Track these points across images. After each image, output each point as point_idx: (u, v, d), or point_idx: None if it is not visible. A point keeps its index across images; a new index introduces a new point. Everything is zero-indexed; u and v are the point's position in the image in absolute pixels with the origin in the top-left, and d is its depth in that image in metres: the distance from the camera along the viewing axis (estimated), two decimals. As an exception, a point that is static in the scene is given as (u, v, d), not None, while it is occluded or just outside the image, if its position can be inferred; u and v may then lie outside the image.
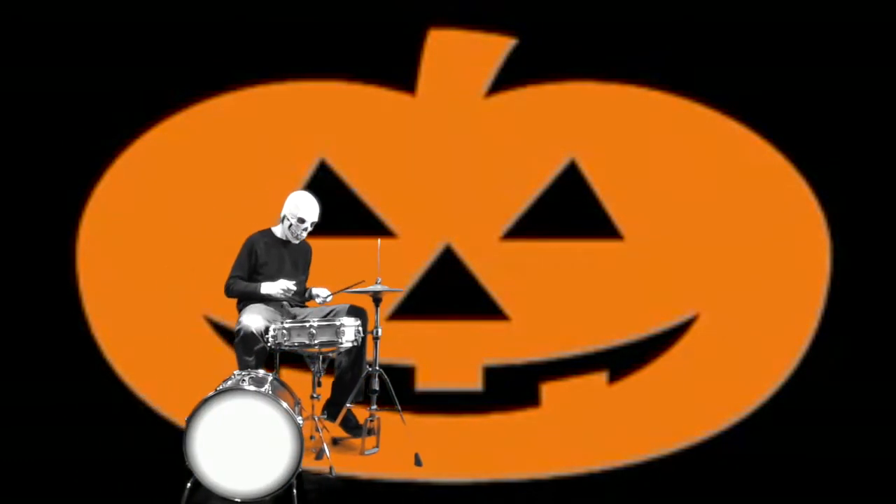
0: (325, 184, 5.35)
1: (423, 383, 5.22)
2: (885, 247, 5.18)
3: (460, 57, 5.38)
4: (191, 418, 3.45)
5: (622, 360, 5.35)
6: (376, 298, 4.31)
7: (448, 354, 5.31)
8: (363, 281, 4.31)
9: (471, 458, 4.27)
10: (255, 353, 4.15)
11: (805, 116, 5.22)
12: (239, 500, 3.46)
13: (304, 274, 4.64)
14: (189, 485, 3.50)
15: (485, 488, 3.89)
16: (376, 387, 4.26)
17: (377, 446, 4.31)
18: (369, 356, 4.35)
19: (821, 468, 4.15)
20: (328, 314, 4.37)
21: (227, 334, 5.35)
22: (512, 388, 5.26)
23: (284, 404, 3.48)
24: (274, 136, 5.43)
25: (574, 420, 4.98)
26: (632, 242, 5.42)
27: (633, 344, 5.37)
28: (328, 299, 4.49)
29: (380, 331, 4.29)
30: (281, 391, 3.69)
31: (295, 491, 3.51)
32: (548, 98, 5.42)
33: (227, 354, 5.31)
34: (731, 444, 4.59)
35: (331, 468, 3.92)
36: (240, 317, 4.29)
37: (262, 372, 3.80)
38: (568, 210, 5.42)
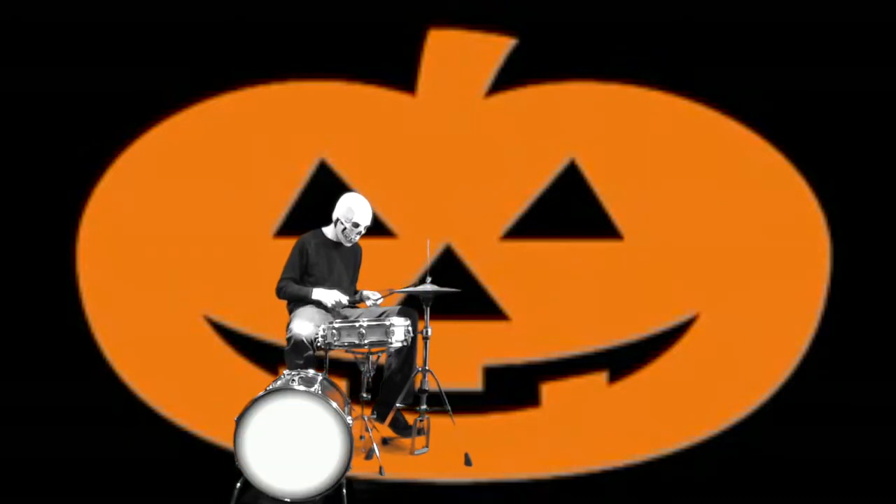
0: (325, 184, 5.36)
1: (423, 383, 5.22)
2: (885, 247, 5.18)
3: (460, 57, 5.38)
4: (240, 418, 3.43)
5: (622, 360, 5.35)
6: (426, 299, 4.31)
7: (448, 354, 5.30)
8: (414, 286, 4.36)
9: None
10: (304, 360, 4.15)
11: (805, 116, 5.22)
12: (289, 500, 3.45)
13: (354, 276, 4.65)
14: (238, 485, 3.48)
15: (485, 488, 3.89)
16: (426, 387, 4.27)
17: (426, 446, 4.31)
18: (419, 356, 4.37)
19: (820, 468, 4.15)
20: (380, 315, 4.36)
21: (228, 334, 5.36)
22: (512, 388, 5.26)
23: (334, 404, 3.46)
24: (274, 136, 5.42)
25: (574, 420, 4.98)
26: (632, 242, 5.42)
27: (633, 344, 5.37)
28: (379, 301, 4.49)
29: (430, 331, 4.29)
30: (330, 391, 3.68)
31: (344, 491, 3.49)
32: (548, 98, 5.42)
33: (228, 354, 5.33)
34: (730, 445, 4.59)
35: (380, 468, 3.92)
36: (290, 321, 4.30)
37: (311, 372, 3.79)
38: (568, 210, 5.42)
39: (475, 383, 5.29)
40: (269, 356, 5.33)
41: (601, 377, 5.33)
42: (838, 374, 5.05)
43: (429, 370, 4.30)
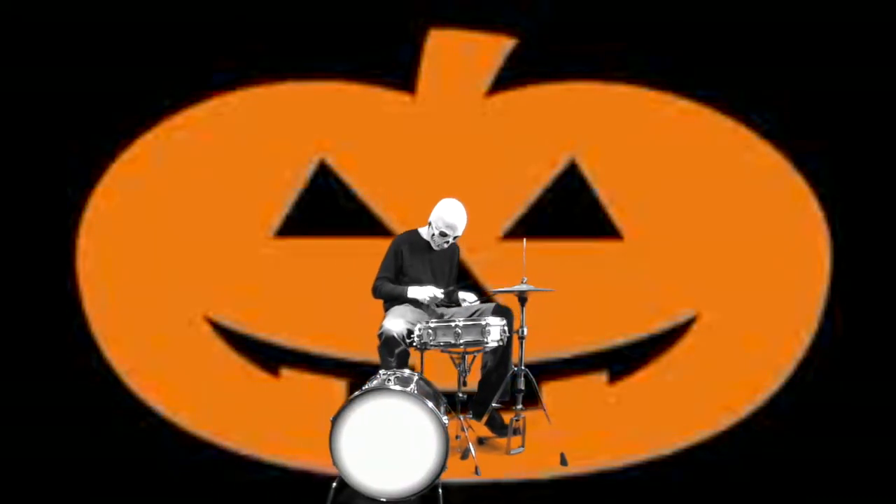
0: (325, 184, 5.35)
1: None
2: (885, 247, 5.18)
3: (460, 57, 5.38)
4: (336, 418, 3.42)
5: (622, 360, 5.35)
6: (522, 298, 4.29)
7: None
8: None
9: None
10: (396, 356, 4.16)
11: (805, 116, 5.22)
12: (385, 500, 3.44)
13: (451, 275, 4.67)
14: (334, 485, 3.48)
15: (484, 488, 3.89)
16: (522, 386, 4.25)
17: (522, 446, 4.31)
18: (515, 356, 4.35)
19: (820, 469, 4.15)
20: (474, 314, 4.37)
21: (228, 334, 5.36)
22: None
23: (430, 403, 3.45)
24: (274, 136, 5.42)
25: (574, 420, 4.97)
26: (632, 242, 5.42)
27: (633, 344, 5.37)
28: (475, 303, 4.50)
29: (525, 330, 4.27)
30: (426, 391, 3.66)
31: (440, 491, 3.48)
32: (548, 98, 5.42)
33: (228, 354, 5.33)
34: (730, 445, 4.59)
35: (476, 468, 3.91)
36: (384, 319, 4.31)
37: (407, 371, 3.77)
38: (568, 210, 5.42)
39: (475, 383, 5.29)
40: (269, 356, 5.34)
41: (601, 377, 5.33)
42: (838, 375, 5.05)
43: (524, 369, 4.26)
